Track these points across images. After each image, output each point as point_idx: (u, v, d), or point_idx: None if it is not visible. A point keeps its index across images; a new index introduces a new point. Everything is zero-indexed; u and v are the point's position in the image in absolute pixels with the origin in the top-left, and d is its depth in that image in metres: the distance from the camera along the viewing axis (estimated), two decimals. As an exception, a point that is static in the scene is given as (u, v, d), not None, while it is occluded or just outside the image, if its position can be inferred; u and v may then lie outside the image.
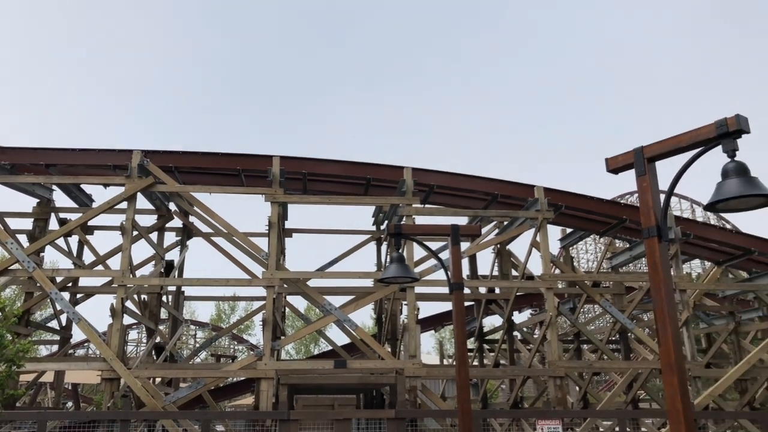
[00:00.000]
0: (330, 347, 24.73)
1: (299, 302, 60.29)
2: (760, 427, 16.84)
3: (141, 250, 60.19)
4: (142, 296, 20.12)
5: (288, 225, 21.97)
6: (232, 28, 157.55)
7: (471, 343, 23.56)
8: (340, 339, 32.04)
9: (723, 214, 69.32)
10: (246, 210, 32.03)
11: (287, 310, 22.65)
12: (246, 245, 17.77)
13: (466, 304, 22.15)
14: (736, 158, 6.12)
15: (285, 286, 18.76)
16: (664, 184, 6.68)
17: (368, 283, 20.15)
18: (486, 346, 23.86)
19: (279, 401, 15.91)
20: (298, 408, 17.95)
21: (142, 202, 19.12)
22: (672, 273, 18.62)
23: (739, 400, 21.09)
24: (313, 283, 18.52)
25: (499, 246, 21.42)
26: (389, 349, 20.40)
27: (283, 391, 16.04)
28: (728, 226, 53.26)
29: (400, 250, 11.39)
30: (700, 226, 21.83)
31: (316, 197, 19.01)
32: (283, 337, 21.21)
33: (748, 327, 23.48)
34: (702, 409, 16.59)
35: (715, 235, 20.80)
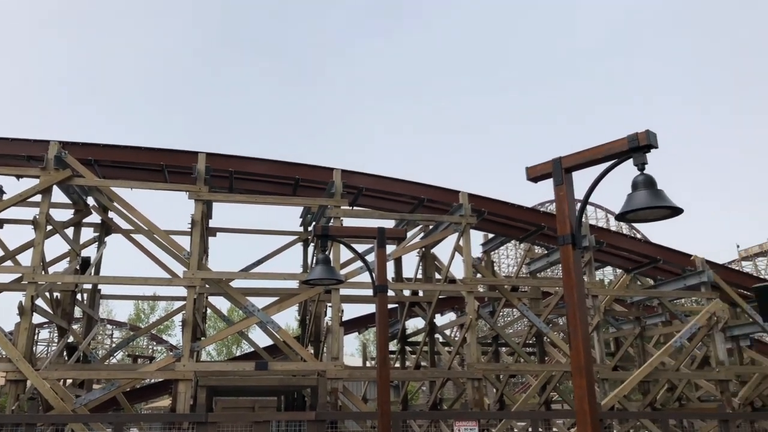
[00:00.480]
0: (252, 349, 24.35)
1: (222, 303, 58.98)
2: (660, 426, 17.68)
3: (55, 246, 57.39)
4: (55, 294, 19.17)
5: (212, 224, 21.47)
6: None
7: (393, 345, 23.75)
8: (263, 341, 31.60)
9: (634, 224, 72.94)
10: (169, 207, 31.08)
11: (209, 310, 22.13)
12: (167, 243, 17.20)
13: (390, 306, 22.33)
14: (645, 171, 6.47)
15: (207, 286, 18.32)
16: (580, 194, 6.97)
17: (293, 284, 19.97)
18: (408, 348, 24.09)
19: (197, 403, 15.51)
20: (217, 410, 17.56)
21: (58, 195, 18.24)
22: (585, 279, 19.48)
23: (642, 401, 22.13)
24: (236, 283, 18.15)
25: (423, 249, 21.71)
26: (312, 351, 20.27)
27: (202, 393, 15.64)
28: (638, 236, 56.01)
29: (326, 252, 11.37)
30: (612, 234, 22.93)
31: (242, 196, 18.68)
32: (203, 338, 20.72)
33: (652, 331, 24.75)
34: (608, 409, 17.31)
35: (625, 244, 21.95)
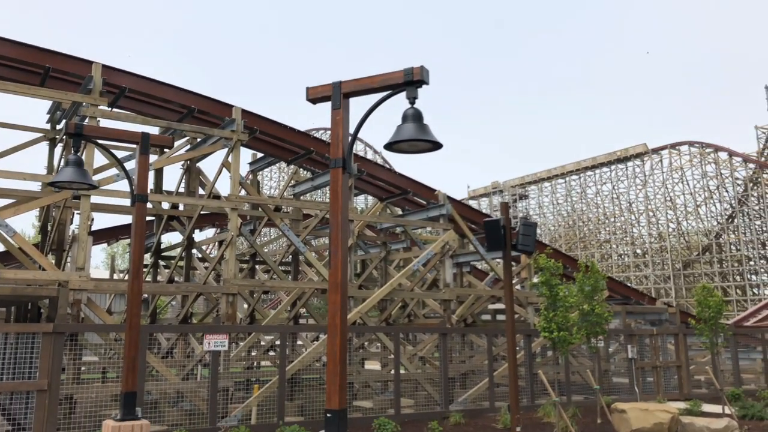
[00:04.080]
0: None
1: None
2: (391, 338, 19.41)
3: None
4: None
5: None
6: None
7: (147, 259, 22.43)
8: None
9: (387, 160, 76.85)
10: None
11: None
12: None
13: (147, 219, 20.91)
14: (415, 105, 6.71)
15: None
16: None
17: (35, 186, 17.56)
18: (162, 263, 22.96)
19: None
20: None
21: None
22: (344, 205, 20.23)
23: (379, 317, 24.09)
24: (-38, 180, 15.38)
25: (189, 162, 20.50)
26: (53, 261, 18.26)
27: None
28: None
29: (78, 153, 10.09)
30: (372, 165, 24.06)
31: (-29, 80, 15.62)
32: None
33: (395, 256, 26.91)
34: (351, 323, 18.52)
35: (382, 175, 23.18)
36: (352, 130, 7.30)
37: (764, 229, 75.47)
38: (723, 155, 79.13)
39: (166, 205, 20.94)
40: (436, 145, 6.97)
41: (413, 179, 23.14)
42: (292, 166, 22.92)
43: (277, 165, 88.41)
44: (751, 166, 77.03)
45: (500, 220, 12.11)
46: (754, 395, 21.70)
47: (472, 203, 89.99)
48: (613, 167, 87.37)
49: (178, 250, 21.81)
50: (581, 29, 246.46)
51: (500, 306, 28.56)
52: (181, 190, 21.10)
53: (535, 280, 23.34)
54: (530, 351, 19.89)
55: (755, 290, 75.23)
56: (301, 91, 7.54)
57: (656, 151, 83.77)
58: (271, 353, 23.49)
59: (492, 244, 12.09)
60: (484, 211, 79.59)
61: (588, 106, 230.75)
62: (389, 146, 6.97)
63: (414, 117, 6.80)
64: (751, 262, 76.12)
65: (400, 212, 25.63)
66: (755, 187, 76.39)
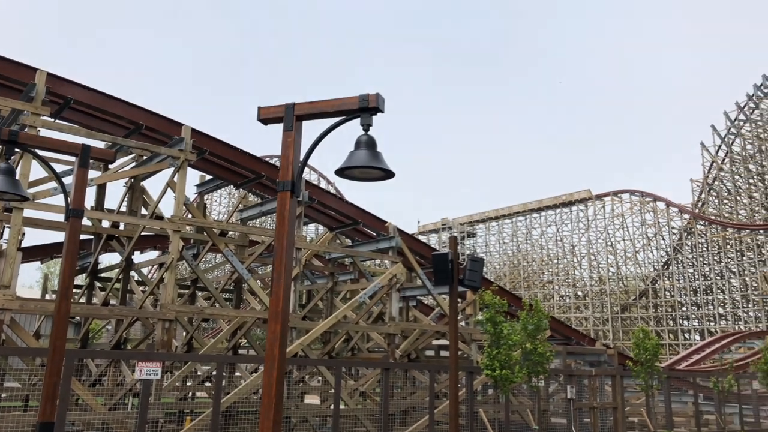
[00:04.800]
0: None
1: None
2: (333, 372, 18.89)
3: None
4: None
5: None
6: None
7: (82, 280, 21.34)
8: None
9: (339, 190, 76.71)
10: None
11: None
12: None
13: (85, 237, 19.93)
14: (369, 132, 6.51)
15: None
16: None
17: (-39, 196, 16.49)
18: (98, 284, 21.90)
19: None
20: None
21: None
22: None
23: (321, 350, 23.53)
24: None
25: (132, 180, 19.71)
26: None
27: None
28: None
29: (11, 162, 9.46)
30: (323, 193, 23.67)
31: None
32: None
33: (341, 287, 26.45)
34: (292, 355, 17.93)
35: (334, 204, 22.81)
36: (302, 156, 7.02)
37: (696, 276, 78.23)
38: (661, 205, 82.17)
39: (105, 224, 20.04)
40: (388, 174, 6.74)
41: (364, 210, 22.90)
42: (240, 191, 22.37)
43: (226, 189, 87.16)
44: (686, 216, 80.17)
45: (448, 254, 11.96)
46: (685, 438, 21.99)
47: (422, 239, 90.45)
48: (558, 210, 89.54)
49: (116, 271, 20.83)
50: (534, 73, 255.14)
51: (444, 342, 28.35)
52: (123, 209, 20.25)
53: (480, 317, 23.30)
54: (472, 389, 19.66)
55: (686, 335, 77.53)
56: (249, 123, 7.22)
57: (599, 197, 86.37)
58: (207, 384, 22.51)
59: (439, 277, 11.90)
60: (433, 246, 79.86)
61: (538, 150, 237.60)
62: (340, 172, 6.73)
63: (367, 144, 6.58)
64: (684, 308, 78.59)
65: (350, 243, 25.29)
66: (689, 237, 79.38)
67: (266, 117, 7.17)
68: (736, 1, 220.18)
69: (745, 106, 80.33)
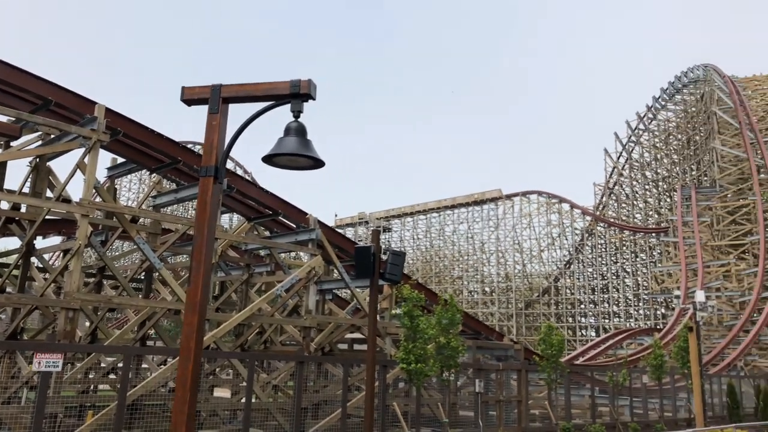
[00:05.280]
0: None
1: None
2: (245, 365, 18.39)
3: None
4: None
5: None
6: None
7: (-26, 264, 19.63)
8: None
9: (257, 179, 74.90)
10: None
11: None
12: None
13: (-22, 218, 18.32)
14: (300, 119, 6.24)
15: None
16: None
17: None
18: (-7, 270, 20.23)
19: None
20: None
21: None
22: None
23: (234, 342, 22.85)
24: None
25: (38, 160, 18.22)
26: None
27: None
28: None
29: None
30: (243, 182, 22.84)
31: None
32: None
33: (257, 279, 25.75)
34: (204, 348, 17.26)
35: (253, 193, 22.01)
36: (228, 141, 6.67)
37: (595, 276, 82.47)
38: (566, 206, 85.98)
39: (5, 205, 18.50)
40: (318, 163, 6.53)
41: (285, 200, 22.26)
42: (154, 176, 21.29)
43: (136, 174, 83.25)
44: (588, 218, 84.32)
45: (371, 248, 11.85)
46: (581, 429, 23.03)
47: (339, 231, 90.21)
48: (470, 209, 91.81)
49: (15, 257, 19.30)
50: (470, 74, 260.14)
51: (358, 335, 28.27)
52: (26, 189, 18.72)
53: (395, 311, 23.39)
54: (385, 382, 19.67)
55: (584, 331, 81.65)
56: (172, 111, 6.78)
57: (509, 197, 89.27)
58: (112, 377, 21.33)
59: (361, 271, 11.78)
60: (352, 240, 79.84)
61: (458, 149, 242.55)
62: (268, 159, 6.45)
63: (297, 131, 6.34)
64: (582, 306, 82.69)
65: (268, 234, 24.62)
66: (590, 238, 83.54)
67: (190, 98, 6.74)
68: (643, 11, 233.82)
69: (644, 116, 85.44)
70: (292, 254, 30.08)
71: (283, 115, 6.28)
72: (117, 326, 40.76)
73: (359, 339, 29.39)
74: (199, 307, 6.06)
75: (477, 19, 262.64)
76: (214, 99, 6.52)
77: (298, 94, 6.20)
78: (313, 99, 6.36)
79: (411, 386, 18.52)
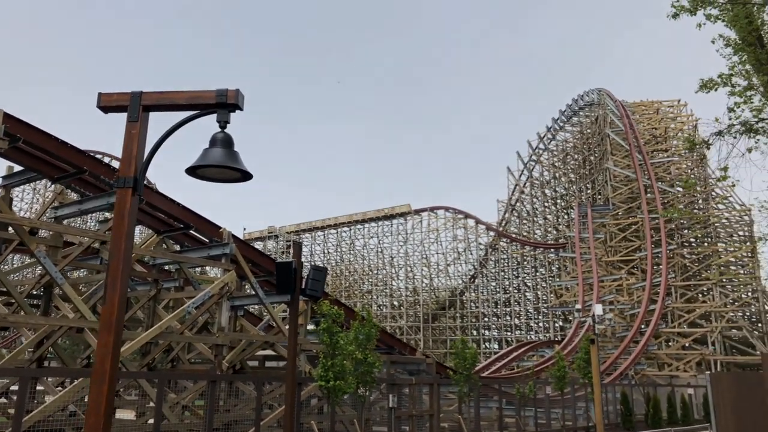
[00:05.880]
0: None
1: None
2: (154, 385, 17.45)
3: None
4: None
5: None
6: None
7: None
8: None
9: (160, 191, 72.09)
10: None
11: None
12: None
13: None
14: (226, 130, 5.98)
15: None
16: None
17: None
18: None
19: None
20: None
21: None
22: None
23: (140, 361, 21.62)
24: None
25: None
26: None
27: None
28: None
29: None
30: (153, 194, 21.59)
31: None
32: None
33: (165, 295, 24.52)
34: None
35: (164, 206, 20.86)
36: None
37: (497, 289, 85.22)
38: (471, 222, 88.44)
39: None
40: (246, 176, 6.27)
41: (197, 213, 21.32)
42: (56, 186, 19.77)
43: (31, 184, 77.72)
44: (492, 233, 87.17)
45: (292, 263, 11.53)
46: (491, 440, 23.52)
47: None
48: (380, 223, 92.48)
49: None
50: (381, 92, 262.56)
51: (270, 352, 27.55)
52: None
53: (310, 327, 23.01)
54: (299, 400, 19.22)
55: (487, 344, 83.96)
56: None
57: (418, 212, 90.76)
58: (3, 400, 19.54)
59: (282, 286, 11.41)
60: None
61: (367, 164, 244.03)
62: (192, 171, 6.12)
63: (224, 142, 6.07)
64: (486, 319, 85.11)
65: (178, 248, 23.49)
66: (494, 252, 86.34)
67: (108, 104, 6.29)
68: (546, 33, 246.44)
69: (544, 136, 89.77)
70: (199, 270, 28.98)
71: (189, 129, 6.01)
72: (5, 345, 37.56)
73: (271, 356, 28.65)
74: (115, 326, 5.63)
75: (386, 29, 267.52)
76: (134, 107, 6.12)
77: (225, 104, 5.94)
78: (241, 109, 6.12)
79: (326, 403, 18.20)
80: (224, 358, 20.04)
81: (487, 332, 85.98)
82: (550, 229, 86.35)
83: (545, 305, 79.37)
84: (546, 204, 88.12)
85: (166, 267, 25.28)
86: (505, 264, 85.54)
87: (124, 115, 6.13)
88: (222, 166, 5.95)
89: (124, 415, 26.65)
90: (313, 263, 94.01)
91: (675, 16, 13.59)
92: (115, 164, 39.02)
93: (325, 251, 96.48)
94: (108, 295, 5.72)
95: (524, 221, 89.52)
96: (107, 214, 23.11)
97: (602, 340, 56.27)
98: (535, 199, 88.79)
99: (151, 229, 22.23)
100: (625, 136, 71.34)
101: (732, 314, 58.49)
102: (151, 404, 16.21)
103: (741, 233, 63.45)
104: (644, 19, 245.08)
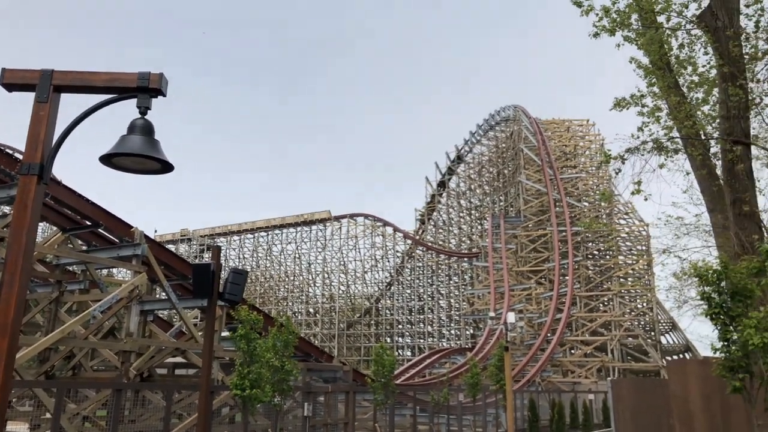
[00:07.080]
0: None
1: None
2: (52, 395, 16.17)
3: None
4: None
5: None
6: None
7: None
8: None
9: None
10: None
11: None
12: None
13: None
14: (147, 117, 5.47)
15: None
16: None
17: None
18: None
19: None
20: None
21: None
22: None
23: (37, 369, 20.03)
24: None
25: None
26: None
27: None
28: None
29: None
30: (59, 187, 19.96)
31: None
32: None
33: (68, 298, 22.84)
34: (1, 376, 14.80)
35: (71, 201, 19.30)
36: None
37: (412, 297, 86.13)
38: (389, 230, 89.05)
39: None
40: (166, 167, 5.72)
41: (108, 211, 19.95)
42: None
43: None
44: (409, 241, 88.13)
45: (210, 265, 10.92)
46: (404, 448, 23.43)
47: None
48: (299, 229, 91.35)
49: None
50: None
51: (179, 360, 26.27)
52: None
53: (225, 333, 22.10)
54: (211, 408, 18.34)
55: (401, 351, 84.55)
56: None
57: (337, 218, 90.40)
58: None
59: (199, 290, 10.78)
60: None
61: (292, 171, 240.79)
62: (107, 159, 5.53)
63: (144, 129, 5.52)
64: (400, 326, 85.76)
65: (85, 247, 21.90)
66: (410, 260, 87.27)
67: (12, 81, 5.58)
68: (470, 46, 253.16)
69: (461, 149, 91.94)
70: (106, 272, 27.29)
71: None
72: None
73: (181, 363, 27.32)
74: (10, 329, 4.98)
75: (314, 36, 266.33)
76: (44, 86, 5.46)
77: (146, 88, 5.42)
78: (164, 95, 5.58)
79: (238, 412, 17.46)
80: (132, 365, 18.86)
81: (401, 339, 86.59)
82: (464, 239, 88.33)
83: (458, 313, 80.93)
84: (461, 214, 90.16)
85: (71, 268, 23.54)
86: (421, 272, 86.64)
87: (31, 96, 5.51)
88: (140, 155, 5.41)
89: (16, 427, 24.52)
90: (227, 268, 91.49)
91: (596, 35, 14.14)
92: (19, 156, 36.13)
93: (241, 256, 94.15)
94: (4, 294, 5.05)
95: (440, 230, 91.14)
96: (6, 209, 21.26)
97: (511, 348, 57.93)
98: (451, 209, 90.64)
99: (56, 227, 20.60)
100: (538, 152, 74.25)
101: (629, 323, 61.89)
102: (48, 415, 14.91)
103: (639, 247, 67.32)
104: (560, 39, 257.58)
